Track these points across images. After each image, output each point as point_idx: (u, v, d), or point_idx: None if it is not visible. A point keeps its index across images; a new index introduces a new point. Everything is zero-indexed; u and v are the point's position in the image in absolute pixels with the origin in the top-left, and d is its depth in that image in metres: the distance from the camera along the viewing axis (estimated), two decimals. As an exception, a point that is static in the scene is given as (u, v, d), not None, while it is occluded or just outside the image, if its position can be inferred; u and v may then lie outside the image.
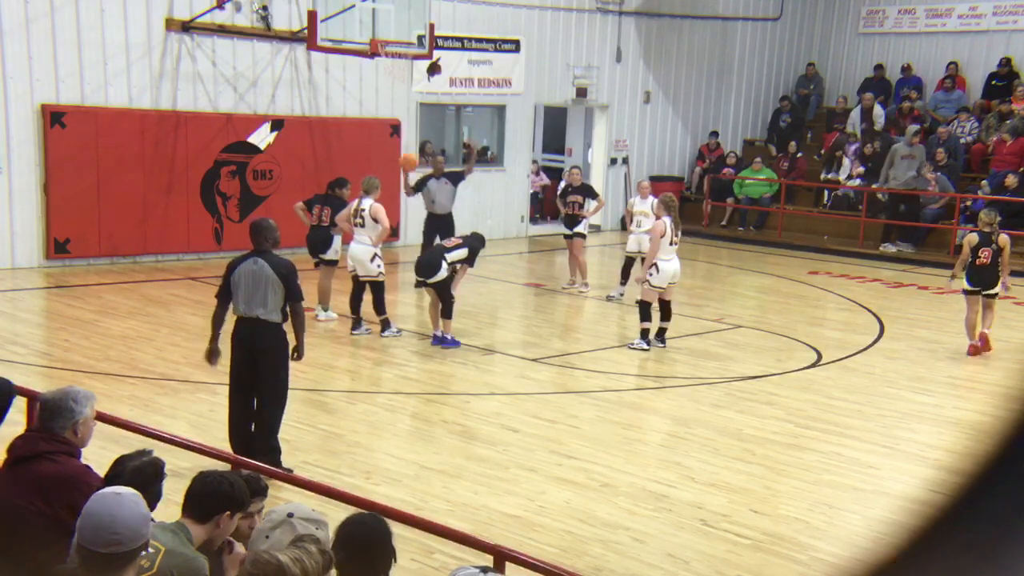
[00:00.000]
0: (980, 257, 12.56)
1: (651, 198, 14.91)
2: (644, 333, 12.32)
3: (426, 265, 12.01)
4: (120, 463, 4.19)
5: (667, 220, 12.12)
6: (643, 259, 13.63)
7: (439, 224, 15.01)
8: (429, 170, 15.51)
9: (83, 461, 4.78)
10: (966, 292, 12.75)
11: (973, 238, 12.77)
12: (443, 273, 11.88)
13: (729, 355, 12.31)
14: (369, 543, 3.77)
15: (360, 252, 12.31)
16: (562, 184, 16.71)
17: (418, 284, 12.59)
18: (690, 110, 23.73)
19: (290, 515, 3.66)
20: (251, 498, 4.20)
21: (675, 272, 12.25)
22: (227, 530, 4.06)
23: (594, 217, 16.29)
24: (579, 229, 15.64)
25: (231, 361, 8.08)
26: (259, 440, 7.85)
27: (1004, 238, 12.65)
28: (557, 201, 16.46)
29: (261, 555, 2.89)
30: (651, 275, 12.18)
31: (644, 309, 12.36)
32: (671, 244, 12.13)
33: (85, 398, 4.79)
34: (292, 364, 8.11)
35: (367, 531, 3.82)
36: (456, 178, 15.27)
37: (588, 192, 16.07)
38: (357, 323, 12.54)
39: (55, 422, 4.67)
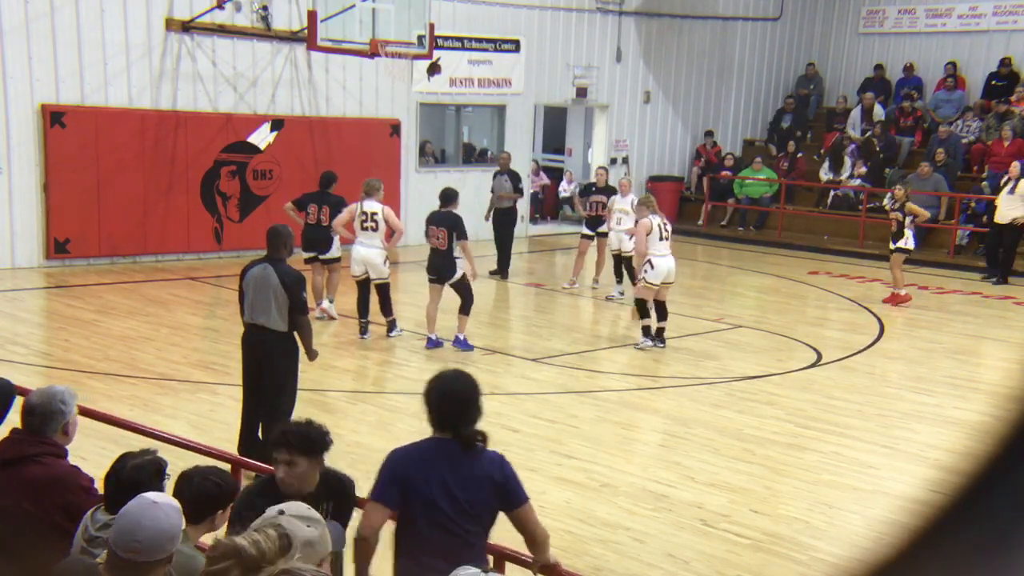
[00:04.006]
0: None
1: (631, 196, 14.93)
2: (646, 330, 12.32)
3: (443, 268, 11.91)
4: (122, 460, 4.18)
5: (652, 218, 12.17)
6: (629, 257, 13.69)
7: (502, 216, 16.67)
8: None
9: (72, 461, 4.76)
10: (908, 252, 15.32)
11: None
12: (459, 272, 11.85)
13: (729, 355, 12.30)
14: (457, 395, 4.51)
15: (373, 255, 12.19)
16: (582, 183, 16.97)
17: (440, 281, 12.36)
18: (690, 110, 23.72)
19: (281, 512, 3.67)
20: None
21: (670, 270, 12.22)
22: (222, 524, 4.09)
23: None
24: (603, 228, 15.56)
25: (241, 366, 8.11)
26: (260, 447, 7.82)
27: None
28: (577, 199, 16.60)
29: (220, 541, 2.94)
30: (646, 271, 12.18)
31: (641, 306, 12.37)
32: (661, 239, 12.13)
33: (71, 396, 4.78)
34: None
35: (457, 385, 4.57)
36: (515, 178, 16.92)
37: (612, 193, 16.04)
38: (366, 327, 12.46)
39: (47, 425, 4.63)
